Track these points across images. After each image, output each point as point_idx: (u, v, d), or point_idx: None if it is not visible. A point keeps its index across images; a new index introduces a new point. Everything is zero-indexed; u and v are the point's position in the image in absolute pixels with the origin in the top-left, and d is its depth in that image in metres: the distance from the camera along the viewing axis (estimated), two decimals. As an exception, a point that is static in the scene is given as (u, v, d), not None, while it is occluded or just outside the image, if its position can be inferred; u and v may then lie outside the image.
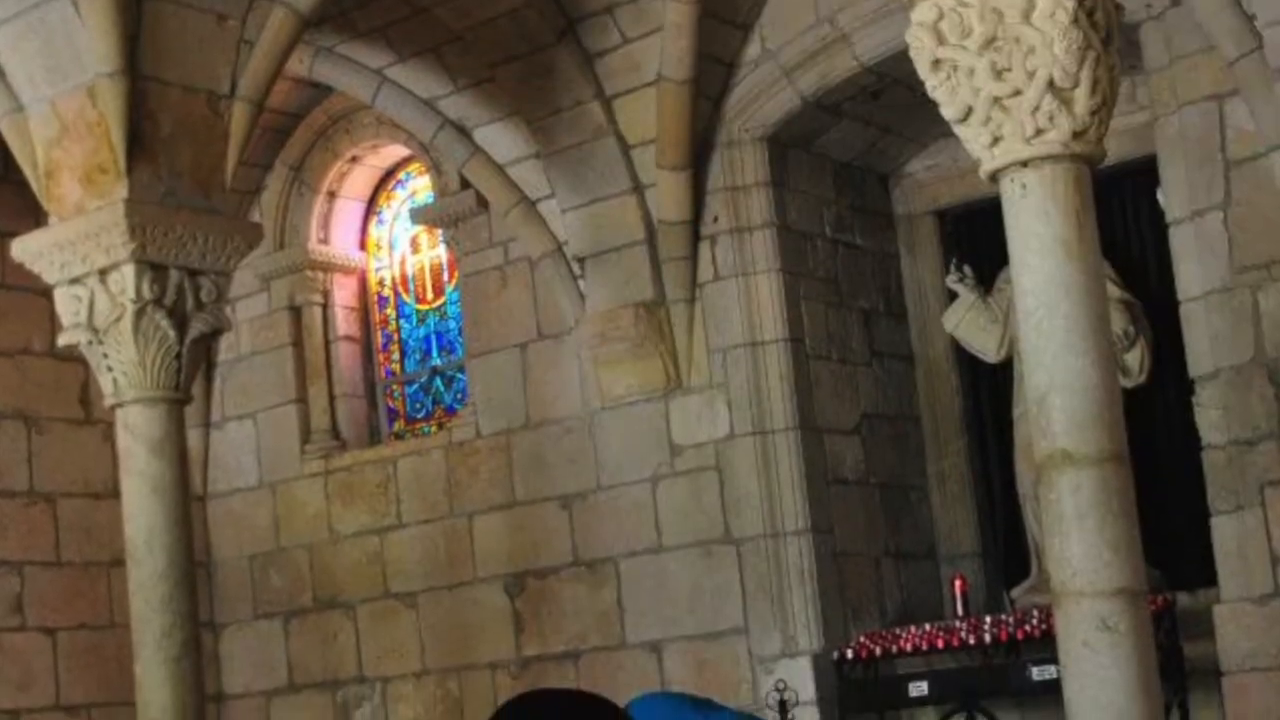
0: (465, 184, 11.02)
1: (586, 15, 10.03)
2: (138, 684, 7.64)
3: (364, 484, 11.52)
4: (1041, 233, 5.65)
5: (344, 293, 12.08)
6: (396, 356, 12.10)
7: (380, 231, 12.23)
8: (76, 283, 7.77)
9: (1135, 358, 9.71)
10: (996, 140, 5.75)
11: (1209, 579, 8.80)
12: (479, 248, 11.11)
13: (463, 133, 10.73)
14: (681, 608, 10.10)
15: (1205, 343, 8.65)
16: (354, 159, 12.01)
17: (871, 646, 9.56)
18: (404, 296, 12.07)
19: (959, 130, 5.85)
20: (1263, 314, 8.47)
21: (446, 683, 11.07)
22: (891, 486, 10.43)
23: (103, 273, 7.69)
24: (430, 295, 11.94)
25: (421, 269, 12.00)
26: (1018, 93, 5.68)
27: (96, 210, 7.67)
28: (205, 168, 7.92)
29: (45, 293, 8.32)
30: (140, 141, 7.68)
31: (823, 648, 9.69)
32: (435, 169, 11.34)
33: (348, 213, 12.16)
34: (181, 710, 7.53)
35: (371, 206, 12.24)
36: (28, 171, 7.97)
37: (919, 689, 9.48)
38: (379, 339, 12.15)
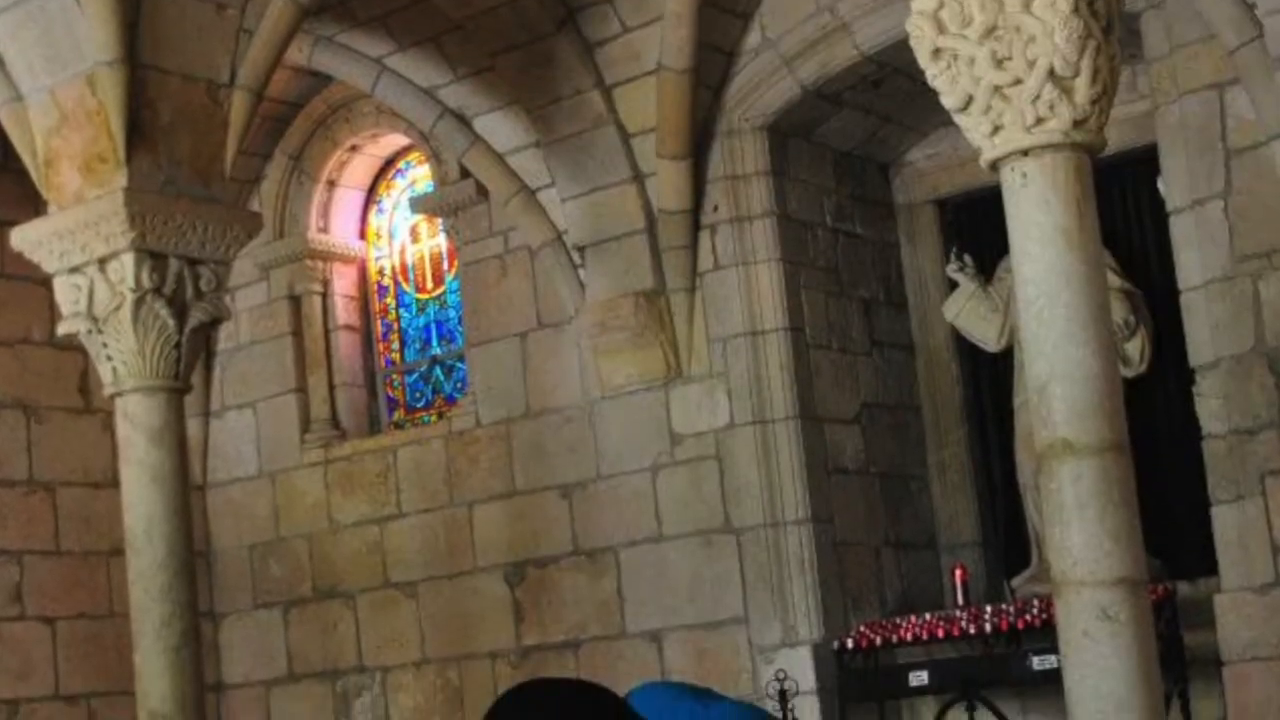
0: (465, 173, 11.00)
1: (586, 4, 10.02)
2: (137, 673, 7.63)
3: (364, 473, 11.51)
4: (1042, 222, 5.64)
5: (344, 282, 12.07)
6: (396, 346, 12.08)
7: (380, 220, 12.21)
8: (76, 272, 7.76)
9: (1136, 347, 9.71)
10: (997, 129, 5.73)
11: (1209, 568, 8.80)
12: (479, 237, 11.10)
13: (463, 122, 10.71)
14: (681, 597, 10.10)
15: (1206, 332, 8.64)
16: (354, 148, 11.99)
17: (872, 636, 9.55)
18: (404, 285, 12.05)
19: (959, 119, 5.84)
20: (1263, 303, 8.46)
21: (446, 672, 11.07)
22: (892, 476, 10.43)
23: (102, 262, 7.67)
24: (430, 284, 11.92)
25: (421, 258, 11.98)
26: (1018, 81, 5.67)
27: (96, 199, 7.65)
28: (205, 156, 7.91)
29: (45, 282, 8.30)
30: (140, 130, 7.66)
31: (823, 637, 9.69)
32: (435, 158, 11.32)
33: (347, 202, 12.14)
34: (181, 700, 7.52)
35: (371, 195, 12.22)
36: (27, 160, 7.96)
37: (919, 678, 9.47)
38: (379, 328, 12.13)
